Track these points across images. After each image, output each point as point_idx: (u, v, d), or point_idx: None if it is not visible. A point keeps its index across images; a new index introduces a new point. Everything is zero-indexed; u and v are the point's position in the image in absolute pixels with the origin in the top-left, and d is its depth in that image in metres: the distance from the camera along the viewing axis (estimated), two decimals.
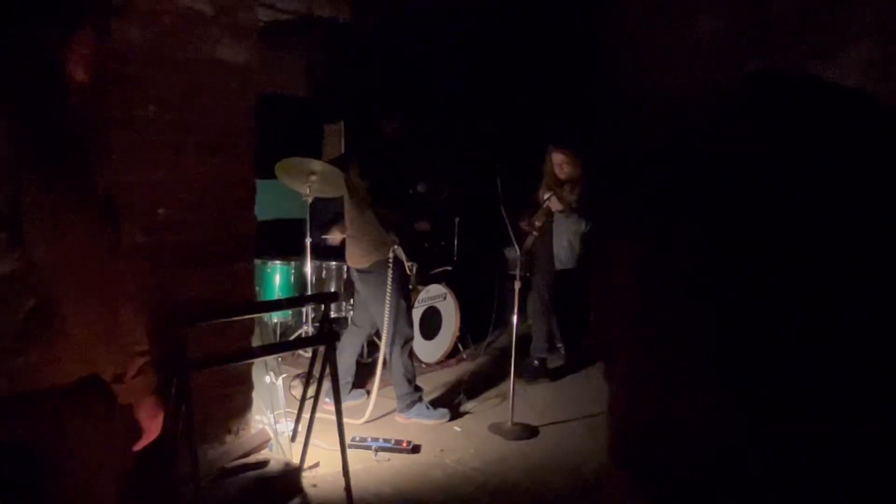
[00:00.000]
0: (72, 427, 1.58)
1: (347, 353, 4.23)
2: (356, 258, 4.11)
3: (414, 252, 4.30)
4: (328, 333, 3.10)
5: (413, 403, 4.09)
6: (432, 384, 4.70)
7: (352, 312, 4.62)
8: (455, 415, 4.23)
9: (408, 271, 4.15)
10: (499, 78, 6.16)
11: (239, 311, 2.98)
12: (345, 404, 3.85)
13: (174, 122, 2.84)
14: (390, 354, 4.07)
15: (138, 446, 1.74)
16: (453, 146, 6.23)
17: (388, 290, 3.96)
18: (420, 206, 5.03)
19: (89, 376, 1.57)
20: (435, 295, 5.17)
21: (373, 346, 4.78)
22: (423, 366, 4.99)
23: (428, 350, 5.11)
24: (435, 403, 4.27)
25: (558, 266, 4.77)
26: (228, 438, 3.17)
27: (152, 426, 1.74)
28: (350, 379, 4.25)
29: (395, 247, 3.99)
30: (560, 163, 4.64)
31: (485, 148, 5.66)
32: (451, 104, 6.13)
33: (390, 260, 3.97)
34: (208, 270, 3.01)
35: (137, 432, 1.73)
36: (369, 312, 4.20)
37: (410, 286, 4.52)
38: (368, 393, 4.29)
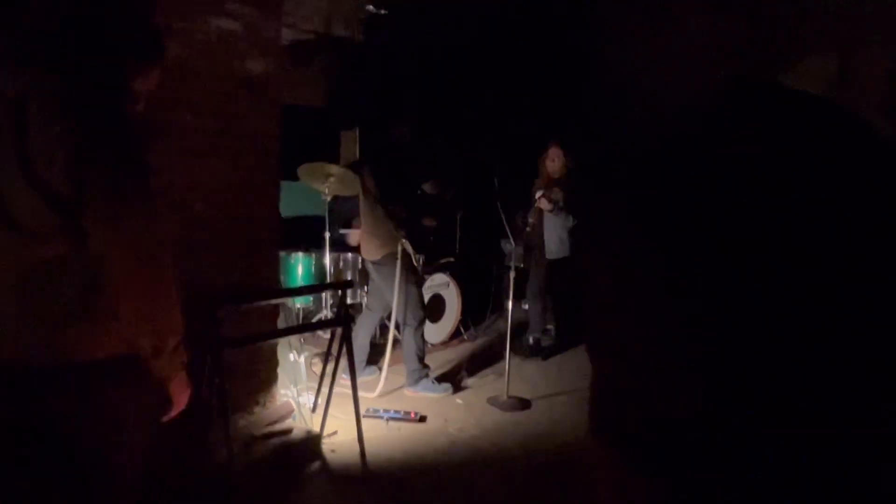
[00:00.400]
0: (108, 400, 1.57)
1: (362, 335, 4.23)
2: (370, 251, 4.10)
3: (420, 246, 4.30)
4: (344, 317, 3.10)
5: (420, 379, 4.09)
6: (437, 362, 4.69)
7: (366, 298, 4.61)
8: (457, 389, 4.22)
9: (414, 262, 4.15)
10: (498, 83, 6.15)
11: (265, 295, 2.98)
12: (359, 379, 3.86)
13: (208, 128, 2.84)
14: (403, 335, 4.07)
15: (167, 417, 1.71)
16: (455, 148, 6.21)
17: (398, 279, 3.96)
18: (426, 204, 5.01)
19: (128, 352, 1.56)
20: (439, 283, 5.17)
21: (384, 329, 4.78)
22: (430, 346, 4.98)
23: (433, 332, 5.10)
24: (439, 379, 4.26)
25: (549, 257, 4.77)
26: (257, 409, 3.17)
27: (182, 399, 1.72)
28: (364, 357, 4.25)
29: (403, 241, 3.99)
30: (553, 157, 4.73)
31: (484, 149, 5.65)
32: (453, 110, 6.11)
33: (399, 252, 3.97)
34: (238, 260, 3.01)
35: (168, 404, 1.70)
36: (383, 299, 4.19)
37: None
38: (380, 369, 4.30)
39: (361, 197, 4.17)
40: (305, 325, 4.10)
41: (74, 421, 1.53)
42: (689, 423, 0.32)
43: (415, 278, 4.13)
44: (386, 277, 4.03)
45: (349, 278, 4.90)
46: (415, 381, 4.08)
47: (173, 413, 1.70)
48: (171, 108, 2.68)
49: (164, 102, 2.65)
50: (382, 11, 5.80)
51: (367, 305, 4.45)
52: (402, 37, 6.09)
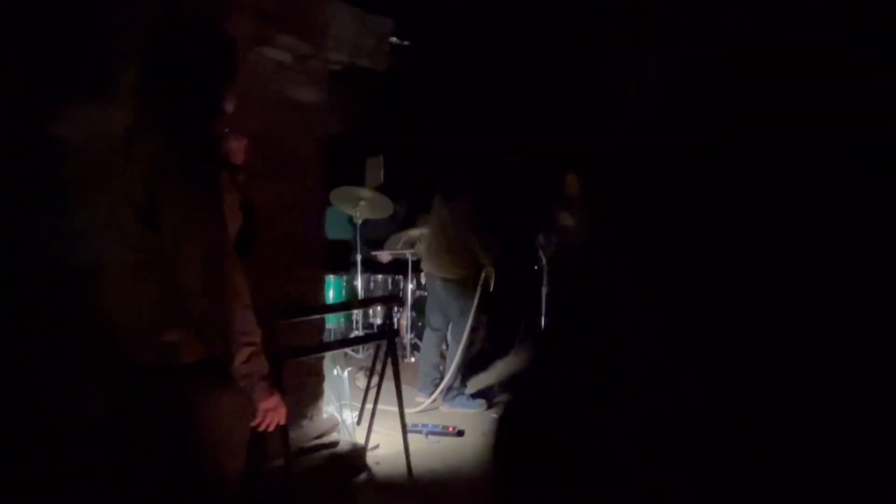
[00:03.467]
0: (205, 401, 1.68)
1: (432, 353, 4.33)
2: (444, 269, 4.21)
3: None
4: (389, 330, 3.21)
5: (457, 395, 4.18)
6: (471, 379, 4.76)
7: (429, 317, 4.55)
8: (491, 404, 4.31)
9: (491, 289, 4.25)
10: (518, 109, 6.33)
11: (318, 310, 3.09)
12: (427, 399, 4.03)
13: (261, 150, 2.98)
14: (460, 353, 4.18)
15: (257, 424, 1.71)
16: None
17: (476, 303, 4.11)
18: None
19: (210, 357, 1.65)
20: None
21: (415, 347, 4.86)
22: None
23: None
24: (473, 395, 4.35)
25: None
26: (305, 422, 3.26)
27: (266, 407, 1.70)
28: (438, 375, 4.30)
29: (491, 269, 4.13)
30: (570, 182, 4.95)
31: (505, 171, 5.79)
32: (476, 135, 6.27)
33: (482, 279, 4.12)
34: (287, 277, 3.13)
35: (253, 411, 1.70)
36: (444, 315, 4.30)
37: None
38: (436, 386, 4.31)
39: (444, 217, 4.25)
40: (355, 339, 4.19)
41: (178, 420, 1.66)
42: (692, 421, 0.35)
43: (485, 303, 4.25)
44: (455, 297, 4.17)
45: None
46: (452, 397, 4.17)
47: (260, 421, 1.71)
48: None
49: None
50: (406, 43, 6.03)
51: (430, 324, 4.48)
52: (422, 68, 6.32)
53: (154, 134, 1.66)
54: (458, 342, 4.14)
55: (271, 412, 1.72)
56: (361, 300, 4.46)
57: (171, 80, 1.67)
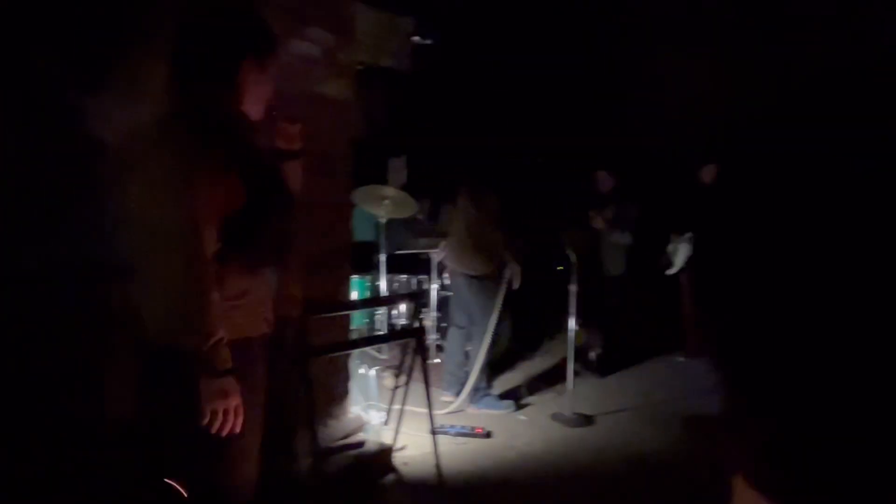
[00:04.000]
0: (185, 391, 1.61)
1: (457, 351, 4.27)
2: (468, 264, 4.16)
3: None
4: (418, 328, 3.15)
5: (483, 396, 4.11)
6: (496, 380, 4.69)
7: (454, 315, 4.49)
8: (519, 406, 4.23)
9: (514, 287, 4.18)
10: (543, 108, 6.27)
11: (347, 306, 3.05)
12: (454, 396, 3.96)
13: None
14: (484, 352, 4.10)
15: (206, 425, 1.54)
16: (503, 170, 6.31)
17: (499, 299, 4.08)
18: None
19: (173, 346, 1.58)
20: None
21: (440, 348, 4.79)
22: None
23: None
24: (500, 396, 4.27)
25: (606, 274, 4.82)
26: (331, 422, 3.22)
27: (212, 409, 1.53)
28: (463, 373, 4.22)
29: (516, 267, 4.09)
30: (601, 179, 4.85)
31: (530, 171, 5.74)
32: (500, 133, 6.23)
33: (505, 277, 4.08)
34: (315, 274, 3.09)
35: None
36: (467, 312, 4.24)
37: None
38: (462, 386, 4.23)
39: (472, 215, 4.19)
40: (384, 336, 4.13)
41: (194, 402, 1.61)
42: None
43: (509, 301, 4.20)
44: (477, 292, 4.12)
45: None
46: (478, 398, 4.10)
47: (208, 423, 1.54)
48: None
49: None
50: (428, 42, 6.00)
51: (454, 321, 4.41)
52: (443, 67, 6.29)
53: (163, 126, 1.64)
54: (483, 341, 4.07)
55: (220, 416, 1.54)
56: (387, 297, 4.39)
57: (186, 59, 1.64)
